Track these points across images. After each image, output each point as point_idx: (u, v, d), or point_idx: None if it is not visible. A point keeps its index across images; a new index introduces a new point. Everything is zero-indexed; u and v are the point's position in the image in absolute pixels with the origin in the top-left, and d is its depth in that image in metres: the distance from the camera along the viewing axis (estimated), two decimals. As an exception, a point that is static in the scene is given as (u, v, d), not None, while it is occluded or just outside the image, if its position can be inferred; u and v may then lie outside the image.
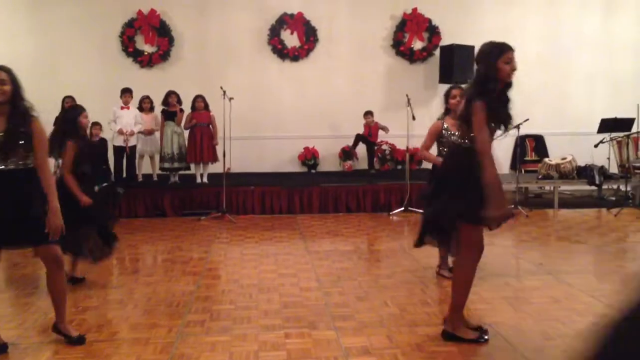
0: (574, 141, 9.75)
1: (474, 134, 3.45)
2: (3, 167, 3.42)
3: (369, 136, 9.59)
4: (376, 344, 3.67)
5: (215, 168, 8.78)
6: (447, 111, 5.03)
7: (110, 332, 3.90)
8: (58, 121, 5.89)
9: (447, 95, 5.04)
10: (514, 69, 3.45)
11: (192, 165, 8.79)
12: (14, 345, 3.66)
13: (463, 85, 4.96)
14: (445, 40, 10.12)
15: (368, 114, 9.57)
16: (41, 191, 3.48)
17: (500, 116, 3.50)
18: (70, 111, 5.37)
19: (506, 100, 3.53)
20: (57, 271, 3.62)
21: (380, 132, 9.60)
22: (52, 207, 3.46)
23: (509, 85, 3.51)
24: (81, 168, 5.02)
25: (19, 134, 3.42)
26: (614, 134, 9.07)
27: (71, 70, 9.61)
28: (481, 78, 3.50)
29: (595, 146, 8.83)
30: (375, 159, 9.83)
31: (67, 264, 5.22)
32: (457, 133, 4.26)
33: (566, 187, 9.60)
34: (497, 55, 3.45)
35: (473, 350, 3.58)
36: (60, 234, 3.51)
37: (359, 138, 9.60)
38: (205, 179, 8.73)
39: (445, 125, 4.97)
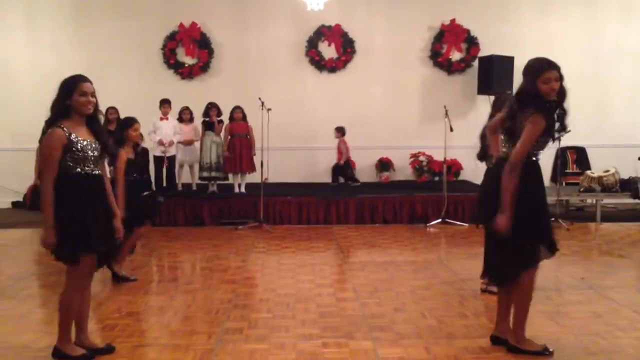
0: (617, 154, 9.54)
1: (520, 143, 3.43)
2: (97, 172, 3.57)
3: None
4: (413, 355, 3.66)
5: (253, 178, 8.90)
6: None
7: (152, 337, 3.99)
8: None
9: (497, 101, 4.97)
10: (552, 89, 3.44)
11: (230, 175, 8.92)
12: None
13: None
14: (484, 51, 10.07)
15: (336, 130, 9.55)
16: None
17: (550, 128, 3.50)
18: (122, 122, 5.60)
19: (559, 113, 3.53)
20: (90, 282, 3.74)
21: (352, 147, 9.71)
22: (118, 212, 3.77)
23: (560, 98, 3.50)
24: (129, 177, 5.21)
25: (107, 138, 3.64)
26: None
27: (115, 82, 9.85)
28: (522, 93, 3.51)
29: (639, 159, 8.64)
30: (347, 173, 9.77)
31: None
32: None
33: (609, 201, 9.39)
34: (536, 74, 3.46)
35: (512, 364, 3.54)
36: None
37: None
38: (243, 189, 8.84)
39: None
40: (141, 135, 5.89)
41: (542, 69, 3.45)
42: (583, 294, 4.96)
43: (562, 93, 3.49)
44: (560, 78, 3.46)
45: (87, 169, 3.47)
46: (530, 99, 3.47)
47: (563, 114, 3.53)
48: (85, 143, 3.44)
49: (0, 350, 3.79)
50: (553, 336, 3.97)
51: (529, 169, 3.54)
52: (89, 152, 3.46)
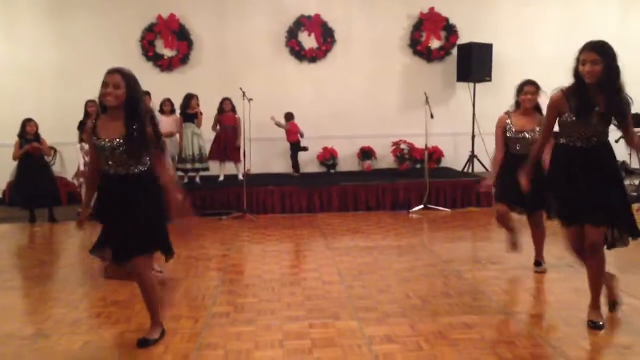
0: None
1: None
2: (120, 172, 3.44)
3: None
4: (399, 332, 3.71)
5: (234, 169, 8.92)
6: (518, 105, 4.98)
7: (138, 322, 3.99)
8: (82, 125, 6.03)
9: (520, 90, 4.96)
10: (586, 71, 3.48)
11: (215, 166, 8.91)
12: (46, 336, 3.76)
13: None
14: (463, 39, 10.13)
15: (287, 116, 9.45)
16: (153, 197, 3.50)
17: (574, 106, 3.56)
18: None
19: (604, 97, 3.51)
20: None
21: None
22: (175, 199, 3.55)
23: (603, 84, 3.49)
24: None
25: (136, 138, 3.40)
26: (635, 130, 9.00)
27: (94, 76, 9.45)
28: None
29: (616, 141, 8.74)
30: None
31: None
32: (517, 129, 4.87)
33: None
34: (577, 56, 3.58)
35: (496, 338, 3.61)
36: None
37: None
38: (221, 177, 8.81)
39: (509, 120, 4.96)
40: None
41: (582, 50, 3.55)
42: (563, 272, 5.05)
43: (605, 76, 3.47)
44: (605, 61, 3.45)
45: (106, 168, 3.45)
46: (575, 79, 3.60)
47: (607, 96, 3.49)
48: (101, 141, 3.39)
49: (-15, 340, 3.78)
50: (535, 311, 4.07)
51: (554, 151, 3.75)
52: (106, 151, 3.40)
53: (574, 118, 3.56)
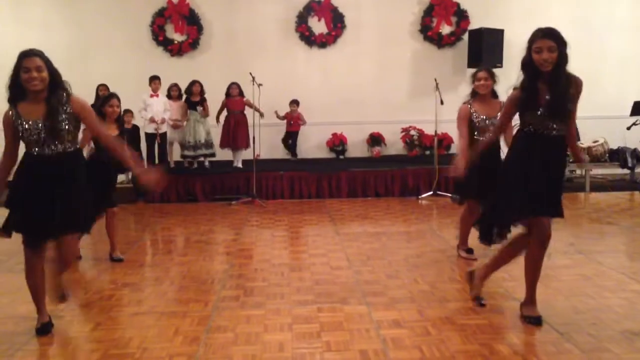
0: (606, 124, 9.59)
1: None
2: (51, 151, 3.36)
3: (289, 125, 9.62)
4: (407, 317, 3.74)
5: (245, 154, 8.93)
6: (474, 94, 5.00)
7: (149, 305, 4.04)
8: (94, 109, 6.00)
9: (474, 77, 5.00)
10: (543, 59, 3.30)
11: (222, 152, 8.94)
12: (59, 317, 3.82)
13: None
14: (474, 24, 10.05)
15: (293, 103, 9.55)
16: (84, 177, 3.53)
17: (527, 103, 3.44)
18: (101, 99, 5.57)
19: (553, 86, 3.37)
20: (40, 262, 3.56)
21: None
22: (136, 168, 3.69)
23: (555, 71, 3.33)
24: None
25: (61, 116, 3.34)
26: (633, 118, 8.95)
27: (104, 60, 9.80)
28: (521, 64, 3.45)
29: (628, 129, 8.72)
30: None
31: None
32: (484, 117, 4.84)
33: (598, 171, 9.49)
34: (530, 44, 3.38)
35: (503, 323, 3.63)
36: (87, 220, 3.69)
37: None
38: (239, 164, 8.86)
39: (473, 109, 4.94)
40: (122, 111, 5.65)
41: (534, 38, 3.36)
42: (572, 259, 5.06)
43: (558, 64, 3.32)
44: (559, 48, 3.30)
45: (35, 150, 3.35)
46: (525, 69, 3.44)
47: (553, 86, 3.35)
48: (27, 126, 3.30)
49: (-1, 320, 3.84)
50: (543, 297, 4.04)
51: (517, 141, 3.58)
52: (35, 134, 3.30)
53: (539, 112, 3.41)
